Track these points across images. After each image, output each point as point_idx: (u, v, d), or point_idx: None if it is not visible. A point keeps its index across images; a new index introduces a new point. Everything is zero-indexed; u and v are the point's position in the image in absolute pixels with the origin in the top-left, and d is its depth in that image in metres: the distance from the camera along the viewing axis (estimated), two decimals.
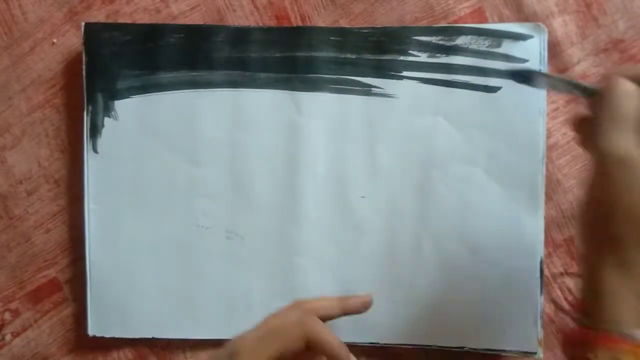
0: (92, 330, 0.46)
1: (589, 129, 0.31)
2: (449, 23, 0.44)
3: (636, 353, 0.27)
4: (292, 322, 0.35)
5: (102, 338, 0.46)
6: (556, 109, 0.44)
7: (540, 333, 0.42)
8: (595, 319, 0.28)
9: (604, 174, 0.29)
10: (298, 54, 0.44)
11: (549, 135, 0.44)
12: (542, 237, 0.43)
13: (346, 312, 0.38)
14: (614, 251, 0.29)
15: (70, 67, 0.47)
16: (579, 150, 0.44)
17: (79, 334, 0.47)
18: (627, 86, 0.29)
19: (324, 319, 0.36)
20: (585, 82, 0.32)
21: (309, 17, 0.46)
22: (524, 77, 0.36)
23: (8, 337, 0.48)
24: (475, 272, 0.43)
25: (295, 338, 0.34)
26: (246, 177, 0.45)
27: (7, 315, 0.48)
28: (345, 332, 0.43)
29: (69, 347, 0.47)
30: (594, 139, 0.30)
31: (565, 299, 0.44)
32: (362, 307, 0.38)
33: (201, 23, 0.46)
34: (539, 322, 0.42)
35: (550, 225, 0.44)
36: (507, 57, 0.43)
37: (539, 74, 0.40)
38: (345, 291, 0.44)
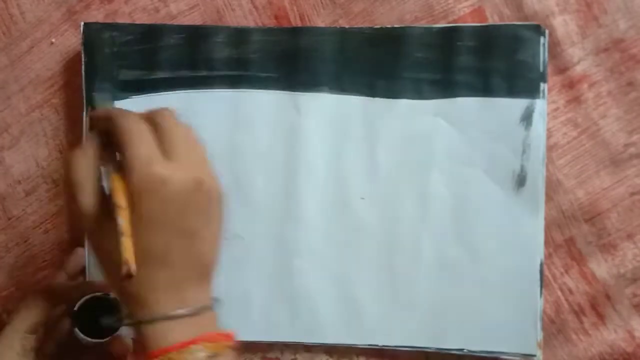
0: None
1: None
2: (448, 22, 0.44)
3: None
4: None
5: None
6: (556, 109, 0.44)
7: (539, 335, 0.42)
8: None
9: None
10: (298, 54, 0.44)
11: (549, 135, 0.43)
12: (542, 237, 0.42)
13: None
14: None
15: (69, 67, 0.47)
16: (579, 150, 0.44)
17: None
18: (73, 153, 0.31)
19: None
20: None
21: (308, 17, 0.45)
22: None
23: None
24: (474, 273, 0.43)
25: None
26: (246, 178, 0.45)
27: (5, 317, 0.47)
28: (343, 333, 0.43)
29: None
30: None
31: (566, 299, 0.44)
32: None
33: (200, 23, 0.46)
34: (539, 323, 0.42)
35: (550, 225, 0.44)
36: (508, 58, 0.42)
37: None
38: (345, 292, 0.44)
